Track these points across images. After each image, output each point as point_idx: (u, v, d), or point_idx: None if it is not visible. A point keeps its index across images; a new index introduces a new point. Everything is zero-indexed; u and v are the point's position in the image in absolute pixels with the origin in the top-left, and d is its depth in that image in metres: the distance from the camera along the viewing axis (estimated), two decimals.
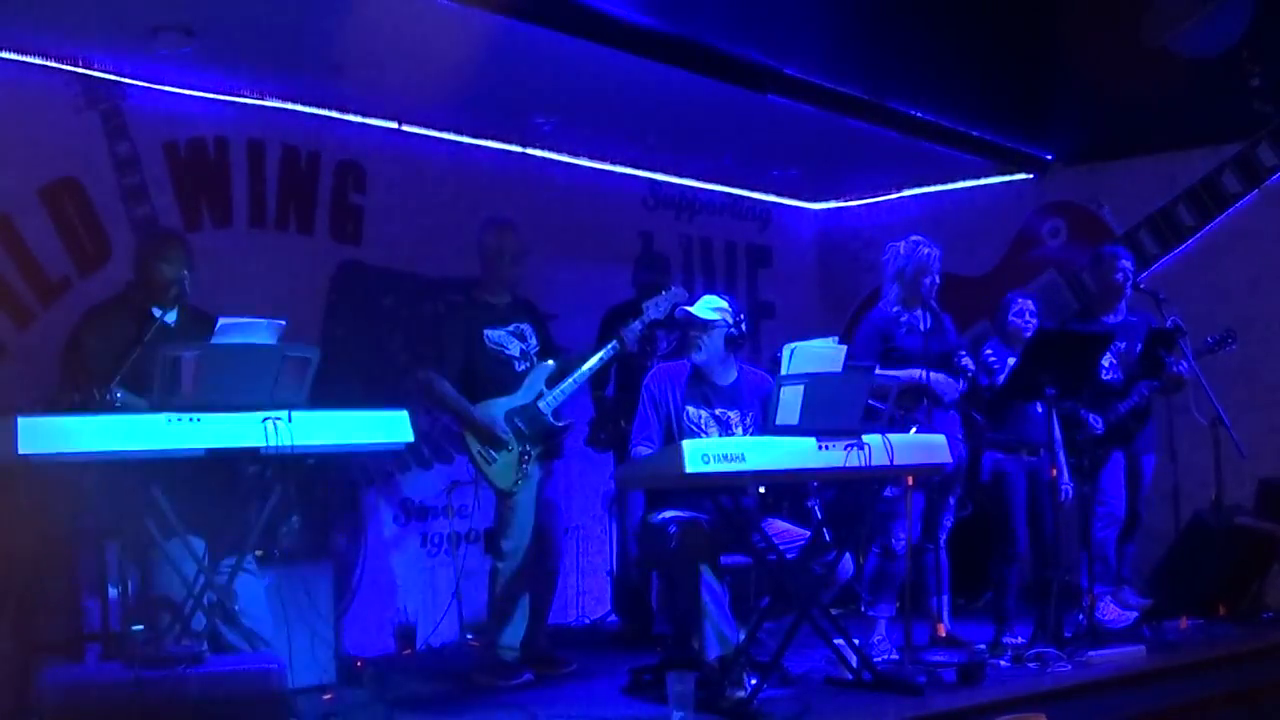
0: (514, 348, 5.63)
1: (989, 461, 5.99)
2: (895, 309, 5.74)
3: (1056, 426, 5.81)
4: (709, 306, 5.19)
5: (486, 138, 7.25)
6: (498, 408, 5.49)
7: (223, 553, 4.38)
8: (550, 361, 5.68)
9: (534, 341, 5.69)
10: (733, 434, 5.15)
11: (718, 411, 5.20)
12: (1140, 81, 7.89)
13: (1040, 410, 5.96)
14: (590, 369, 5.62)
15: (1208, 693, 5.39)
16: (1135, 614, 6.34)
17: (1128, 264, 6.62)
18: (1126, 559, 6.72)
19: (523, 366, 5.61)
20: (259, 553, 5.06)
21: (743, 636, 4.79)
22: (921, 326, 5.67)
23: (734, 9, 6.33)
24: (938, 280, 5.74)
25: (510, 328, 5.66)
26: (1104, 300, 6.69)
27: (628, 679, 5.18)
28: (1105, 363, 6.24)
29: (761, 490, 5.64)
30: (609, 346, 5.63)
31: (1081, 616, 5.66)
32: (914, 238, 5.83)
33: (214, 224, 6.23)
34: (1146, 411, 6.53)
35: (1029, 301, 6.11)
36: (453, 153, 7.14)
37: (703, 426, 5.14)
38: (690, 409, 5.16)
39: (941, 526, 5.88)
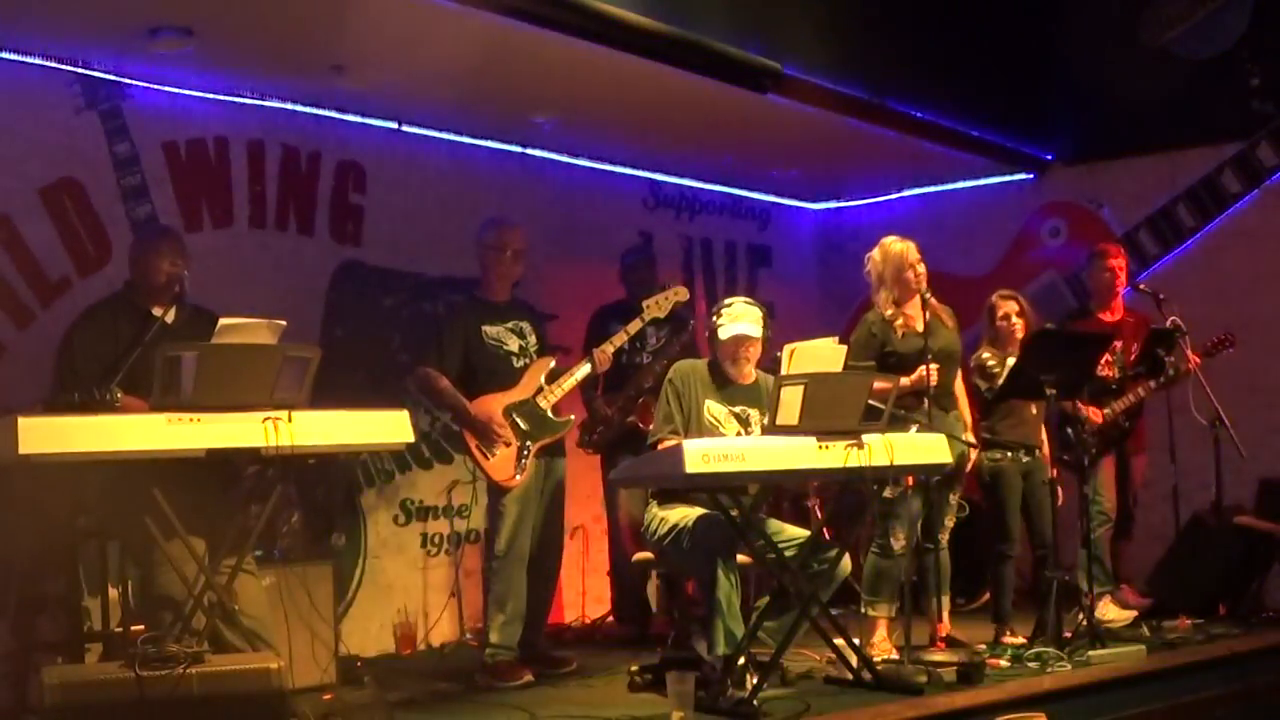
0: (512, 344, 5.64)
1: (985, 461, 5.98)
2: (889, 311, 5.74)
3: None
4: (753, 321, 5.19)
5: (486, 138, 7.25)
6: (496, 403, 5.49)
7: (223, 553, 4.37)
8: (550, 358, 5.69)
9: (532, 339, 5.70)
10: (752, 430, 5.17)
11: (738, 409, 5.21)
12: (1140, 81, 7.90)
13: (1035, 410, 5.99)
14: (565, 389, 5.63)
15: (1208, 693, 5.39)
16: (1135, 614, 6.35)
17: (1116, 262, 6.64)
18: (1122, 558, 6.73)
19: (521, 363, 5.62)
20: (259, 553, 5.06)
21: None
22: (919, 326, 5.65)
23: (734, 9, 6.33)
24: (920, 269, 5.72)
25: (509, 325, 5.66)
26: (1099, 299, 6.71)
27: (628, 679, 5.17)
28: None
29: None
30: (583, 367, 5.66)
31: (1082, 616, 5.66)
32: (884, 239, 5.83)
33: (214, 224, 6.24)
34: (1138, 410, 6.53)
35: (1011, 302, 6.11)
36: (453, 153, 7.15)
37: (721, 422, 5.16)
38: (711, 404, 5.18)
39: (942, 526, 5.88)
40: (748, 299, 5.33)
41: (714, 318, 5.26)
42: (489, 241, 5.72)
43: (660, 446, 5.12)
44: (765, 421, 5.15)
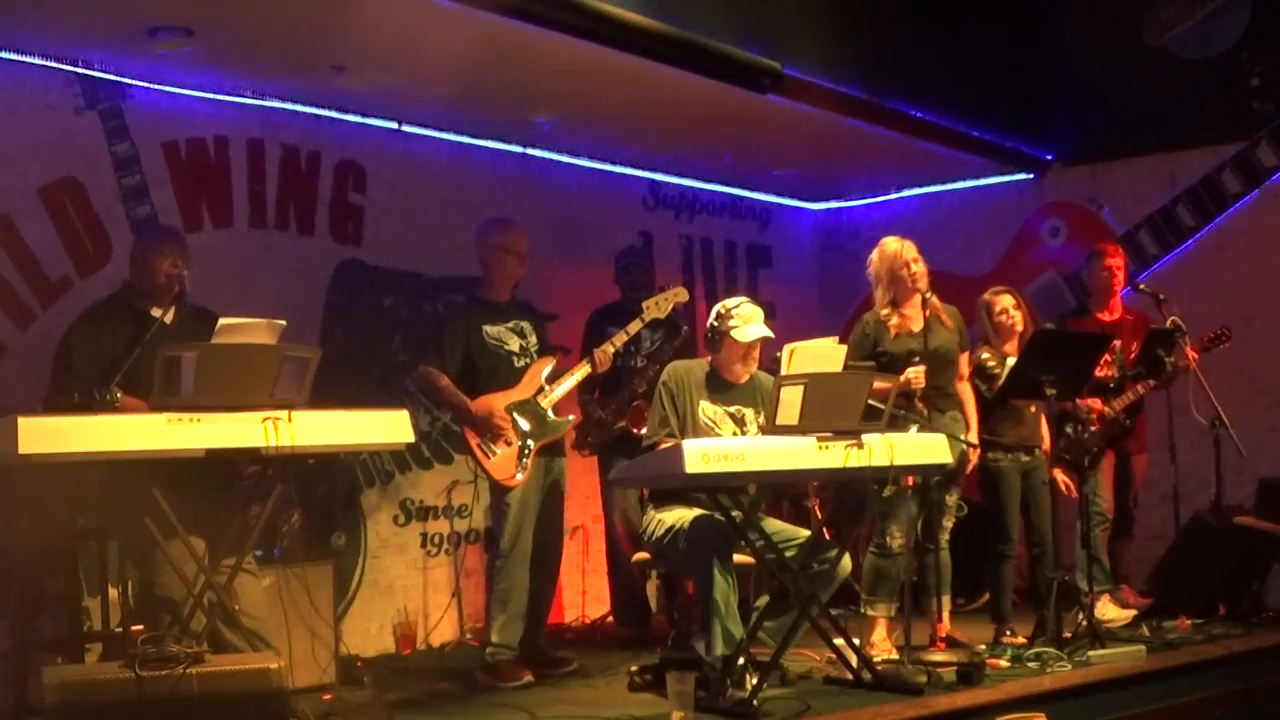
0: (513, 344, 5.64)
1: (985, 461, 5.99)
2: (885, 311, 5.74)
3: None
4: (762, 322, 5.18)
5: (486, 138, 7.25)
6: (497, 402, 5.50)
7: (223, 553, 4.37)
8: (551, 358, 5.69)
9: (533, 339, 5.70)
10: (747, 430, 5.16)
11: (733, 409, 5.21)
12: (1140, 81, 7.91)
13: (1034, 410, 5.99)
14: (565, 389, 5.64)
15: (1208, 693, 5.39)
16: (1135, 614, 6.35)
17: (1114, 261, 6.64)
18: (1122, 558, 6.73)
19: (522, 363, 5.62)
20: (259, 552, 5.06)
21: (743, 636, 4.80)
22: (916, 327, 5.66)
23: (734, 9, 6.33)
24: (916, 268, 5.71)
25: (510, 324, 5.67)
26: (1097, 298, 6.72)
27: (628, 679, 5.17)
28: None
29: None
30: (583, 367, 5.70)
31: (1081, 616, 5.66)
32: (883, 239, 5.83)
33: (214, 224, 6.23)
34: (1138, 408, 6.54)
35: (1006, 296, 6.11)
36: (453, 153, 7.15)
37: (716, 423, 5.15)
38: (705, 405, 5.18)
39: (941, 526, 5.87)
40: (749, 299, 5.31)
41: (723, 320, 5.17)
42: (496, 243, 5.71)
43: (659, 450, 5.13)
44: (761, 420, 5.17)
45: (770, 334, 5.18)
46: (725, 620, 4.75)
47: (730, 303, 5.25)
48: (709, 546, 4.84)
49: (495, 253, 5.70)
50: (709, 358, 5.30)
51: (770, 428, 4.72)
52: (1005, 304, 6.08)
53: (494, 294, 5.74)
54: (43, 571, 4.97)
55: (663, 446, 5.03)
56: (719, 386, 5.24)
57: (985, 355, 6.01)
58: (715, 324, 5.23)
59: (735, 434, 5.15)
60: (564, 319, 6.80)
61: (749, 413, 5.22)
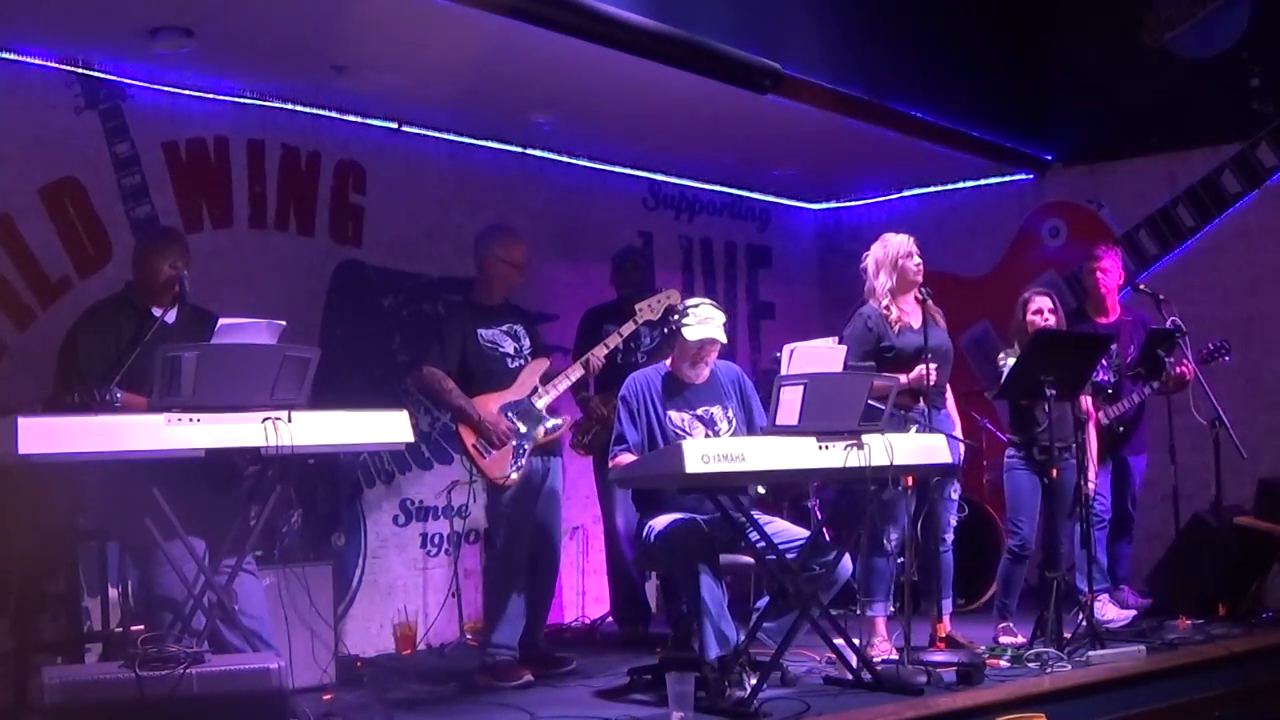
0: (507, 345, 5.65)
1: (1003, 461, 5.99)
2: (885, 303, 5.73)
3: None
4: (720, 325, 5.16)
5: (486, 138, 7.25)
6: (492, 403, 5.50)
7: (223, 553, 4.37)
8: (546, 359, 5.70)
9: (527, 342, 5.71)
10: (718, 428, 5.15)
11: (700, 410, 5.18)
12: (1140, 81, 7.92)
13: (1048, 409, 5.99)
14: (559, 390, 5.65)
15: (1208, 693, 5.39)
16: (1135, 614, 6.35)
17: (1103, 265, 6.63)
18: (1122, 559, 6.74)
19: (516, 364, 5.63)
20: (259, 553, 5.06)
21: (742, 636, 4.80)
22: (915, 323, 5.66)
23: (734, 9, 6.33)
24: (918, 260, 5.72)
25: (503, 326, 5.68)
26: (1091, 301, 6.72)
27: (627, 679, 5.17)
28: None
29: (762, 490, 5.63)
30: (576, 370, 5.72)
31: (1081, 616, 5.66)
32: (884, 234, 5.84)
33: (214, 224, 6.23)
34: (1137, 415, 6.53)
35: (1046, 299, 6.08)
36: (453, 153, 7.15)
37: (687, 429, 5.13)
38: (672, 414, 5.14)
39: (947, 526, 5.86)
40: (713, 301, 5.26)
41: (679, 316, 5.16)
42: (497, 255, 5.70)
43: (613, 464, 5.13)
44: (730, 415, 5.16)
45: (719, 336, 5.13)
46: (717, 621, 4.74)
47: (692, 300, 5.21)
48: (692, 551, 4.83)
49: (494, 263, 5.71)
50: (668, 359, 5.28)
51: (770, 428, 4.72)
52: (1041, 304, 6.01)
53: (488, 298, 5.74)
54: (43, 571, 4.97)
55: (620, 460, 5.05)
56: (682, 390, 5.20)
57: (1001, 357, 6.02)
58: (673, 319, 5.19)
59: (707, 436, 5.12)
60: (564, 319, 6.79)
61: (716, 410, 5.19)
